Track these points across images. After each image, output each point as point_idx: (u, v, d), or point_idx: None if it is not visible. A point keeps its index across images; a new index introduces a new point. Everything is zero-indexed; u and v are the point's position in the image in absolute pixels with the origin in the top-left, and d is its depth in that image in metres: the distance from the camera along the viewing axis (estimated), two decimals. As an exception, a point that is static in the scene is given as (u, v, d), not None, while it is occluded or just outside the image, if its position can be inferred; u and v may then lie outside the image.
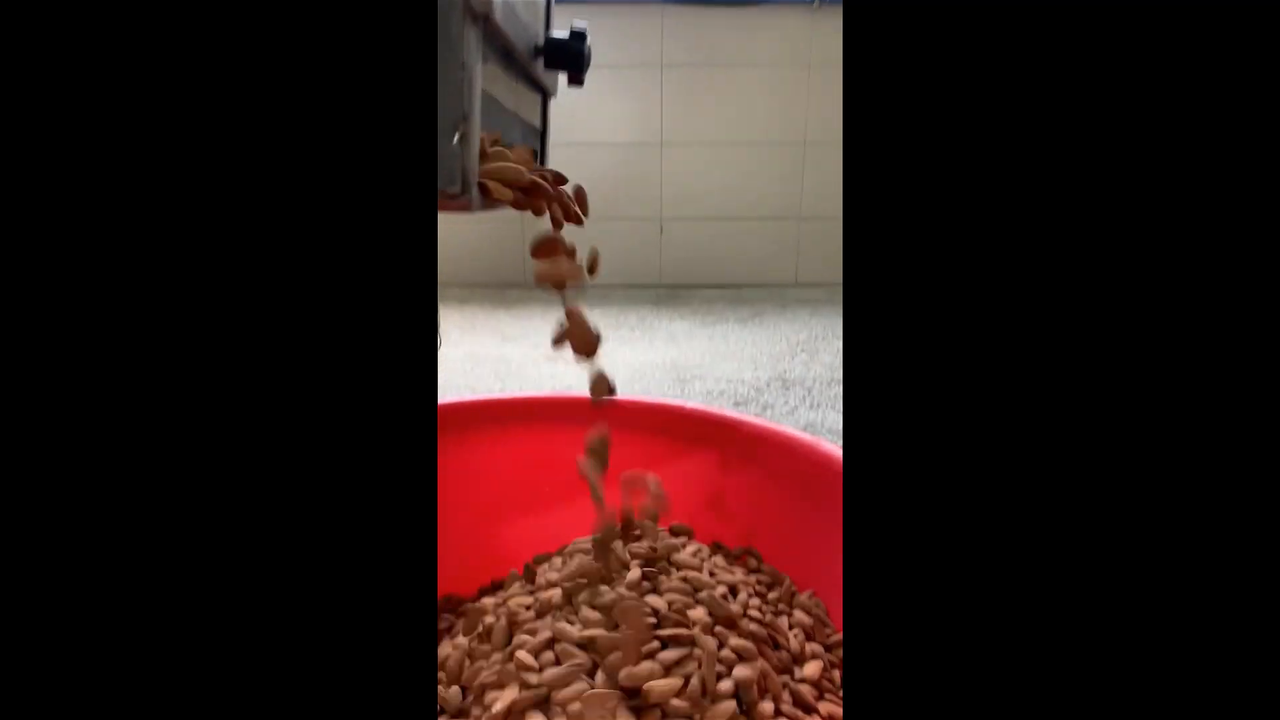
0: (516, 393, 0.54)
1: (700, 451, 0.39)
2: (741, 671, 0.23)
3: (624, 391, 0.82)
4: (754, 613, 0.27)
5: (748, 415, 0.39)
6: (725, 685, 0.22)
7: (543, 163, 0.31)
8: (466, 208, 0.19)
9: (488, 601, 0.28)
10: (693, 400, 0.74)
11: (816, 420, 0.68)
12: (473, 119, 0.18)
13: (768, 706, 0.22)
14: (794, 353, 0.92)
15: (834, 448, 0.34)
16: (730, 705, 0.21)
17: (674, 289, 1.43)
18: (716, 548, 0.37)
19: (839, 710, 0.25)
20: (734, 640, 0.24)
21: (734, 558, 0.36)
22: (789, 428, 0.37)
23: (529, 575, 0.34)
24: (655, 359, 0.91)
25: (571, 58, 0.26)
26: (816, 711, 0.24)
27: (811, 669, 0.26)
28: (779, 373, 0.83)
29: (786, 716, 0.23)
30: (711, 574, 0.29)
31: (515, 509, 0.41)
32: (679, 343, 0.99)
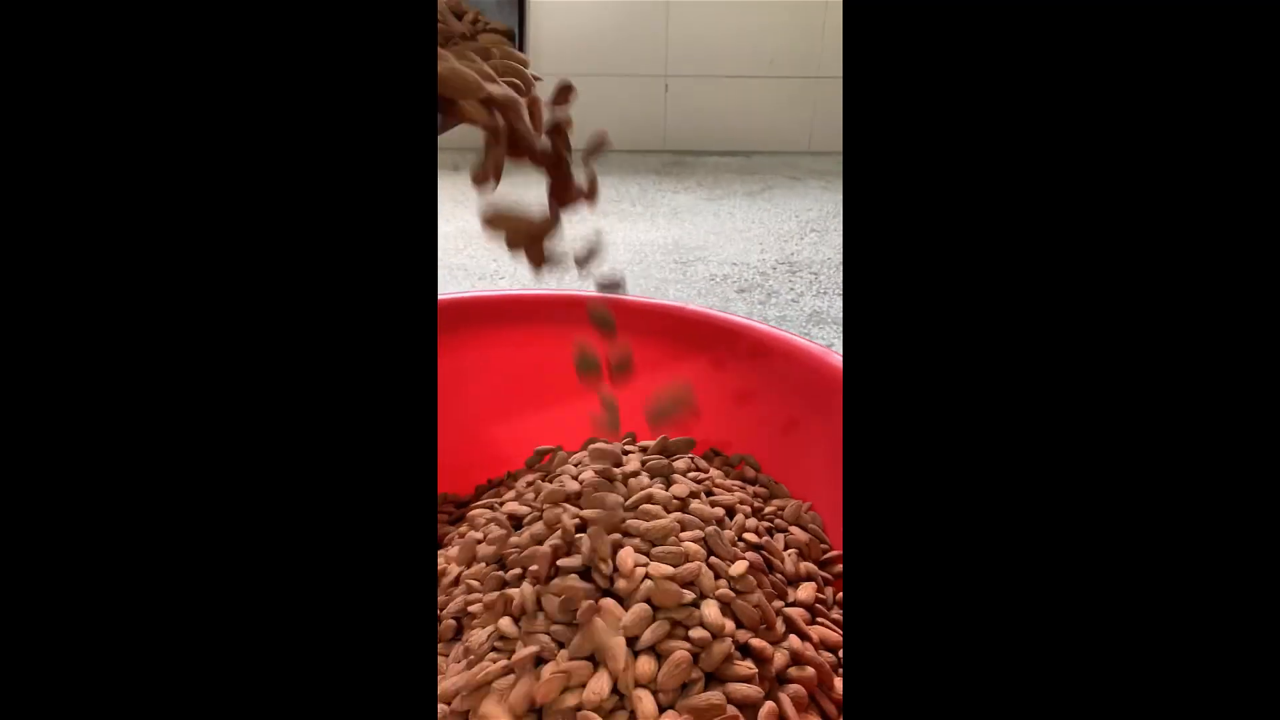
0: (512, 289, 0.51)
1: (699, 356, 0.38)
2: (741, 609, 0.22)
3: (623, 273, 0.80)
4: (750, 535, 0.27)
5: (750, 320, 0.37)
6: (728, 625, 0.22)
7: (520, 40, 0.26)
8: None
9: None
10: (695, 284, 0.72)
11: (823, 308, 0.66)
12: None
13: (763, 643, 0.22)
14: (803, 232, 0.88)
15: (837, 356, 0.33)
16: (728, 645, 0.21)
17: (679, 155, 1.35)
18: (714, 454, 0.36)
19: (831, 634, 0.25)
20: (732, 568, 0.24)
21: (731, 465, 0.35)
22: (792, 334, 0.35)
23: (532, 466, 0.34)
24: (656, 238, 0.87)
25: None
26: (809, 637, 0.24)
27: (805, 592, 0.26)
28: (786, 255, 0.80)
29: (782, 648, 0.22)
30: (709, 492, 0.29)
31: (512, 408, 0.40)
32: (682, 219, 0.95)
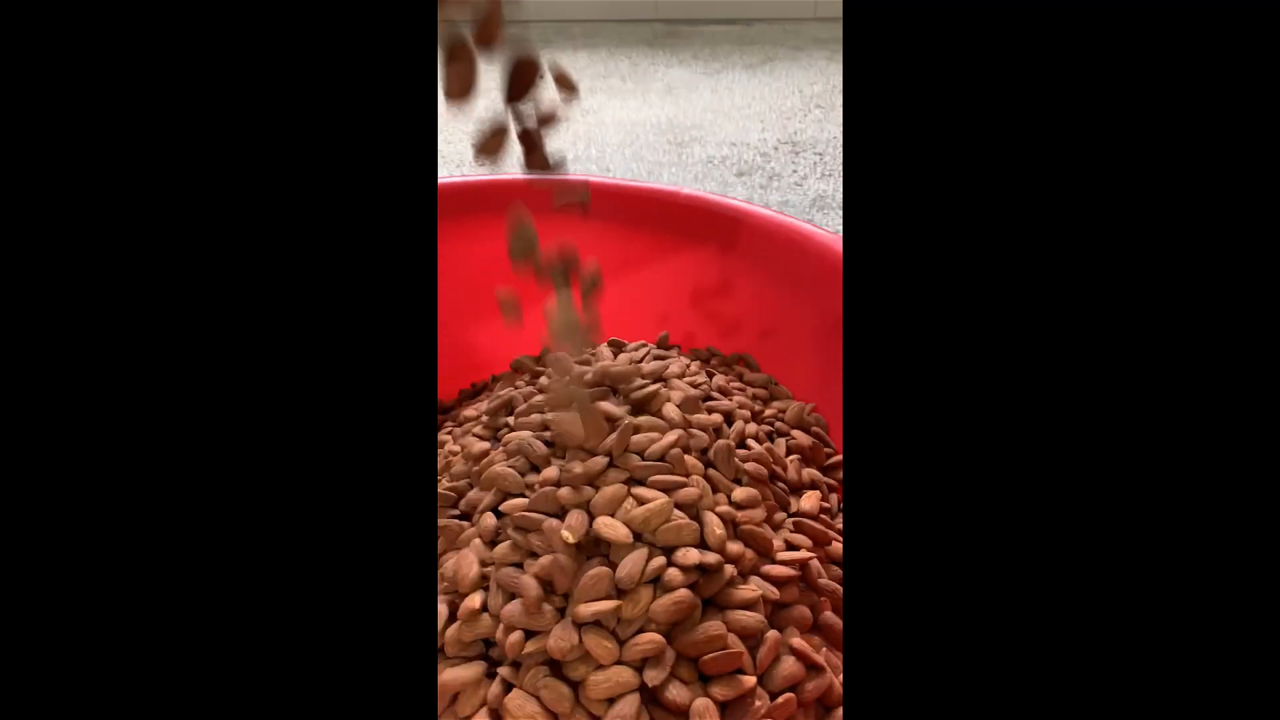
0: (490, 174, 0.47)
1: (694, 247, 0.34)
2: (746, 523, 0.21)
3: (613, 158, 0.74)
4: (752, 443, 0.25)
5: (750, 204, 0.33)
6: (735, 548, 0.20)
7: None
8: None
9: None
10: (691, 167, 0.67)
11: (828, 191, 0.62)
12: None
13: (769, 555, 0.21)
14: (807, 109, 0.82)
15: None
16: (729, 570, 0.19)
17: (673, 25, 1.24)
18: (710, 354, 0.33)
19: (836, 545, 0.23)
20: (738, 493, 0.22)
21: (729, 365, 0.33)
22: (795, 220, 0.32)
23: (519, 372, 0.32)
24: (649, 117, 0.81)
25: None
26: (811, 553, 0.22)
27: (809, 502, 0.24)
28: (789, 134, 0.74)
29: (783, 562, 0.21)
30: (708, 398, 0.26)
31: (493, 308, 0.37)
32: (677, 96, 0.88)
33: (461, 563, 0.20)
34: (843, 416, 0.28)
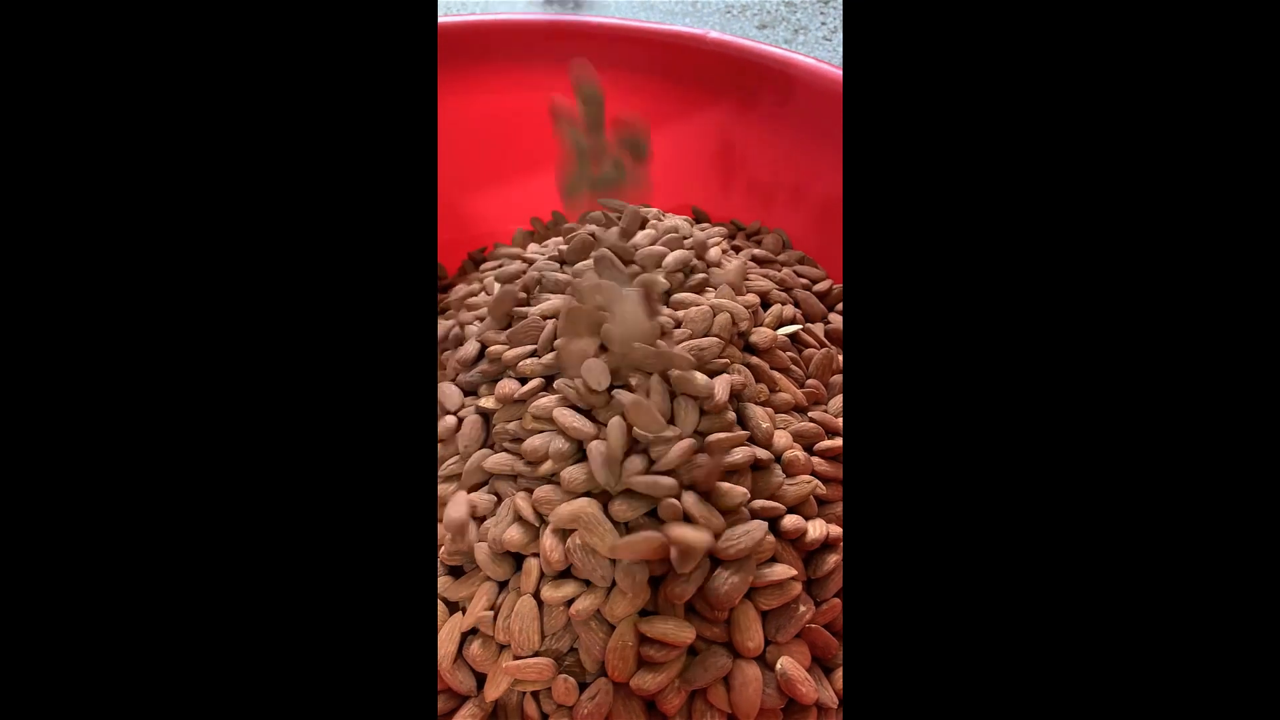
0: (496, 13, 0.41)
1: (718, 100, 0.30)
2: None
3: (619, 3, 0.66)
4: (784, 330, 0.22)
5: (783, 49, 0.29)
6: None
7: None
8: None
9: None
10: (708, 18, 0.60)
11: (859, 48, 0.55)
12: None
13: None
14: (838, -50, 0.72)
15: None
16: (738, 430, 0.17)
17: None
18: (736, 228, 0.30)
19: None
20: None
21: (753, 238, 0.30)
22: (830, 65, 0.27)
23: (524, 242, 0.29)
24: (661, -42, 0.72)
25: None
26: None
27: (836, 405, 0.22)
28: (818, -20, 0.66)
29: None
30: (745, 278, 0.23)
31: (495, 173, 0.34)
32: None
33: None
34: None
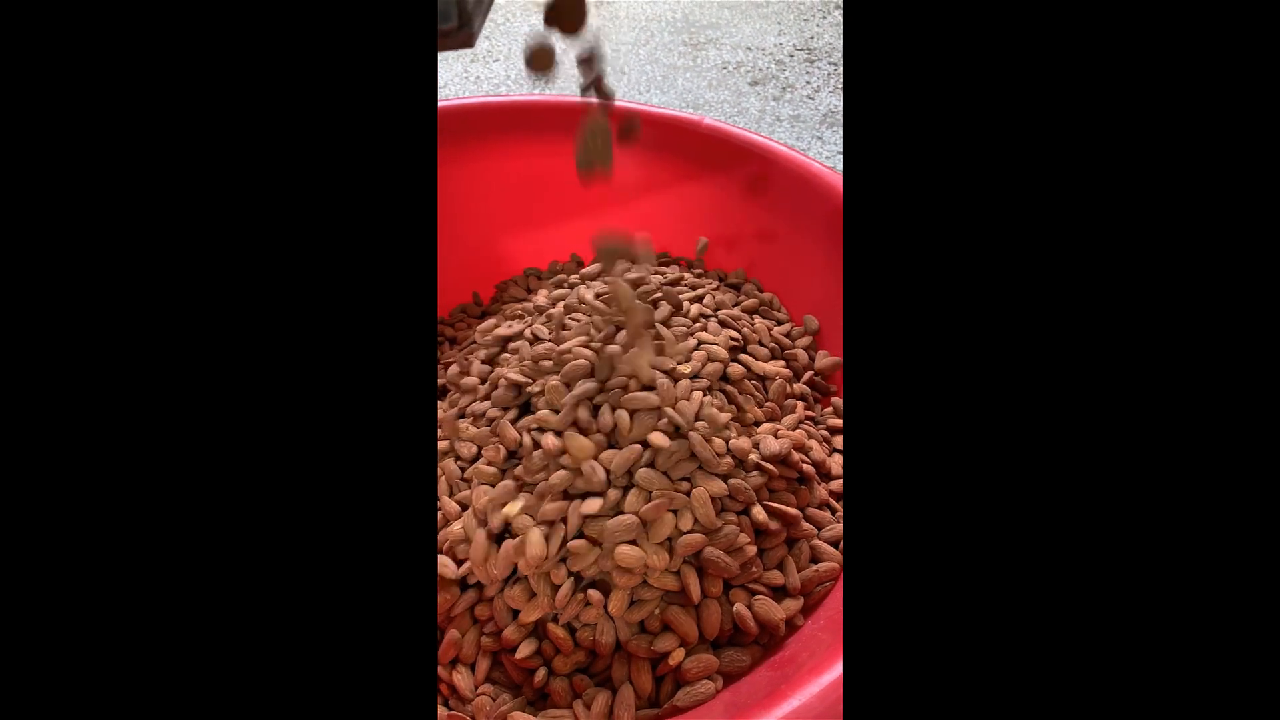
0: (522, 95, 0.48)
1: (710, 176, 0.37)
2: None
3: (629, 58, 0.74)
4: (760, 364, 0.29)
5: (766, 139, 0.36)
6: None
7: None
8: (469, 43, 0.16)
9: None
10: (706, 73, 0.67)
11: (839, 107, 0.63)
12: None
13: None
14: (826, 8, 0.80)
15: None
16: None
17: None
18: (719, 277, 0.37)
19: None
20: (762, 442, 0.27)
21: (737, 286, 0.37)
22: (810, 159, 0.35)
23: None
24: (664, 11, 0.79)
25: None
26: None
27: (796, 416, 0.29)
28: (805, 40, 0.74)
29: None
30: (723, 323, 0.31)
31: (518, 223, 0.41)
32: (694, -12, 0.85)
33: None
34: (843, 345, 0.33)
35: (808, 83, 0.66)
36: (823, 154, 0.56)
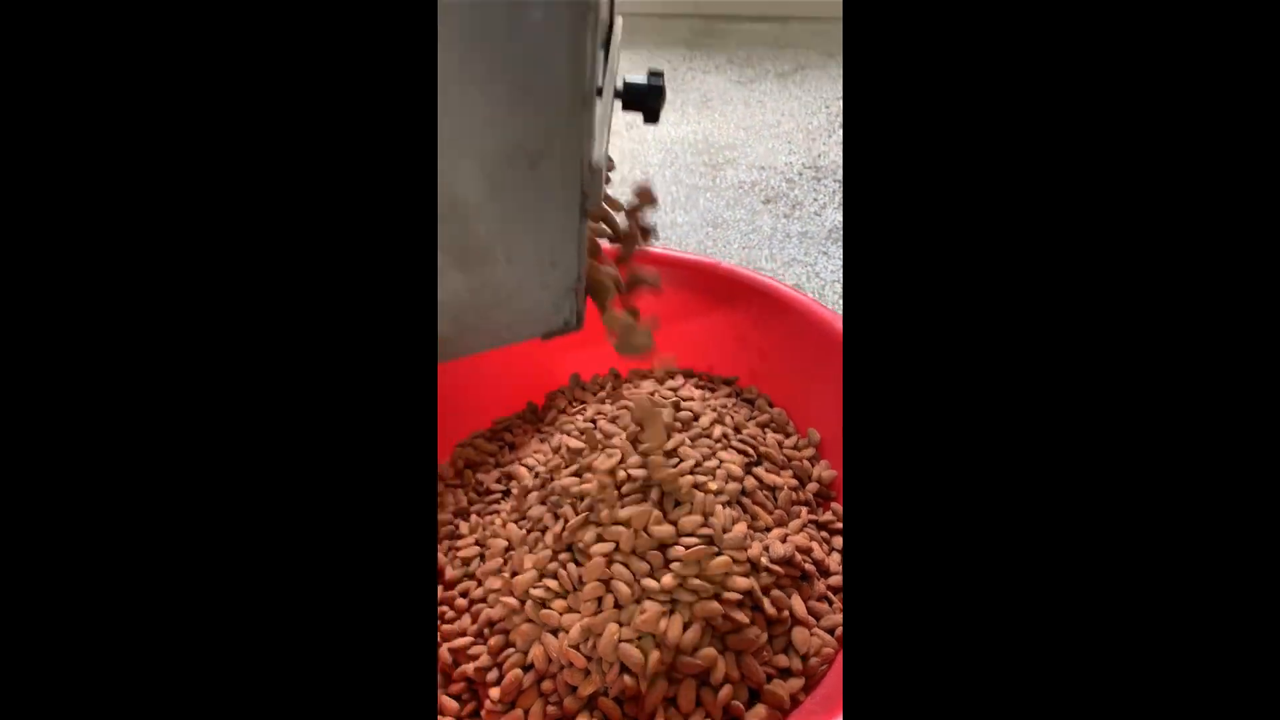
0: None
1: (724, 309, 0.45)
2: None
3: (655, 179, 0.83)
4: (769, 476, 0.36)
5: (774, 281, 0.44)
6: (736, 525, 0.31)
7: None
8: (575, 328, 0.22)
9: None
10: (724, 192, 0.76)
11: (842, 224, 0.71)
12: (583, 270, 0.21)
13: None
14: (831, 128, 0.90)
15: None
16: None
17: (710, 22, 1.30)
18: (736, 391, 0.44)
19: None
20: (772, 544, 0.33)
21: (748, 401, 0.44)
22: (807, 298, 0.42)
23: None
24: (686, 134, 0.89)
25: (650, 101, 0.26)
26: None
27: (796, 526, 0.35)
28: (813, 158, 0.83)
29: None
30: (737, 429, 0.37)
31: (572, 340, 0.48)
32: (713, 109, 0.96)
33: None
34: (843, 442, 0.39)
35: (814, 199, 0.75)
36: (828, 269, 0.64)
